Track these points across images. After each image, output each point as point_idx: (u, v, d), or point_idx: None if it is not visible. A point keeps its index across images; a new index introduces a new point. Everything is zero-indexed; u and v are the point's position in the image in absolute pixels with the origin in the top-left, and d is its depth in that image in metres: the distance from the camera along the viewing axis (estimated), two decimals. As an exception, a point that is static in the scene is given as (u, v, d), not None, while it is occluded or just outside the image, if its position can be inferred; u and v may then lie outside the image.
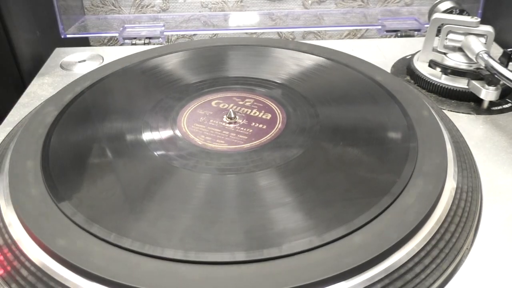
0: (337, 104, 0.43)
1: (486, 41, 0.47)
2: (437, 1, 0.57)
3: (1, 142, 0.42)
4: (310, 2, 0.74)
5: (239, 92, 0.45)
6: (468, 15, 0.54)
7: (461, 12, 0.55)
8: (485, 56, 0.44)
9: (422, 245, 0.29)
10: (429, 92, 0.49)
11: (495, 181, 0.37)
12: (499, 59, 0.44)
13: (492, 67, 0.43)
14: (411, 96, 0.43)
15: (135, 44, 0.64)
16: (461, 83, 0.47)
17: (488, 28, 0.47)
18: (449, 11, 0.56)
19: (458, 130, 0.42)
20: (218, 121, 0.41)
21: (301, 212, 0.31)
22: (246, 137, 0.39)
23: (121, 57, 0.52)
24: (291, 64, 0.50)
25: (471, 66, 0.47)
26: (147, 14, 0.75)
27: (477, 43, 0.46)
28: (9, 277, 0.29)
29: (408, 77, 0.52)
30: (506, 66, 0.43)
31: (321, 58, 0.50)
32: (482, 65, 0.44)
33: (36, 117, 0.41)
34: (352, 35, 0.79)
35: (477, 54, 0.45)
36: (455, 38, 0.49)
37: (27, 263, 0.29)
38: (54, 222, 0.30)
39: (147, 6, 0.74)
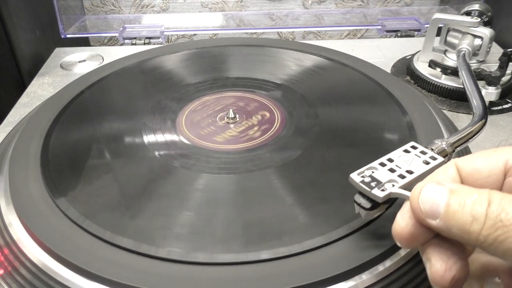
0: (337, 104, 0.43)
1: (481, 42, 0.47)
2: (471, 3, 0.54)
3: (1, 142, 0.42)
4: (310, 2, 0.74)
5: (239, 92, 0.45)
6: (490, 24, 0.51)
7: (480, 16, 0.52)
8: (460, 55, 0.45)
9: (422, 245, 0.29)
10: (429, 92, 0.49)
11: (495, 181, 0.37)
12: (499, 59, 0.44)
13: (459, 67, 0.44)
14: (411, 96, 0.43)
15: (135, 44, 0.64)
16: (461, 83, 0.47)
17: (485, 30, 0.47)
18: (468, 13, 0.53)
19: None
20: (218, 121, 0.41)
21: (300, 213, 0.31)
22: (245, 137, 0.39)
23: (121, 57, 0.52)
24: (291, 64, 0.50)
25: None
26: (147, 14, 0.75)
27: (462, 42, 0.46)
28: (9, 277, 0.29)
29: (408, 77, 0.53)
30: (506, 66, 0.43)
31: (321, 58, 0.50)
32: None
33: (36, 117, 0.41)
34: (352, 35, 0.79)
35: (458, 51, 0.46)
36: (454, 38, 0.49)
37: (27, 263, 0.29)
38: (54, 222, 0.30)
39: (147, 6, 0.75)
